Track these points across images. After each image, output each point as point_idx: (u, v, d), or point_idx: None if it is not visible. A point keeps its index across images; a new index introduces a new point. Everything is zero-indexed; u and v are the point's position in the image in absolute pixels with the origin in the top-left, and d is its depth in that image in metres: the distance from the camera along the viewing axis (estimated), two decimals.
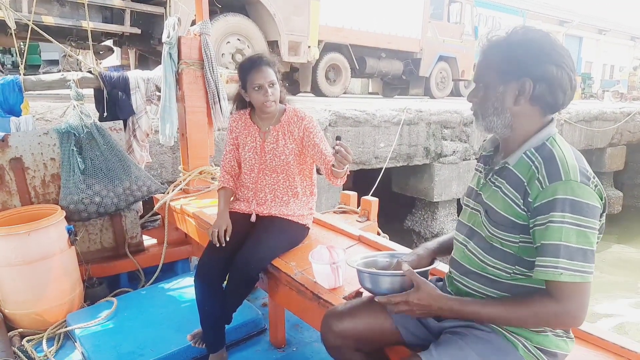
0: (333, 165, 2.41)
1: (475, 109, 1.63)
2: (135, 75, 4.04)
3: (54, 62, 11.51)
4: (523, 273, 1.54)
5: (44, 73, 8.17)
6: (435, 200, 8.41)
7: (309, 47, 10.52)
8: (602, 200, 1.45)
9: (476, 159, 7.79)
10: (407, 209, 9.18)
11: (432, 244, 1.99)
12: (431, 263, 1.90)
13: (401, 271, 1.75)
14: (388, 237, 3.21)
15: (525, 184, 1.49)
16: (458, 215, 7.23)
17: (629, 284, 9.40)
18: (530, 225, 1.47)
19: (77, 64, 10.04)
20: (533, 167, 1.49)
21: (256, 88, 2.70)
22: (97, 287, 3.63)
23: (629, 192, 13.69)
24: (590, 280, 1.39)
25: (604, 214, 1.48)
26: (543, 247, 1.42)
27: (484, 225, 1.62)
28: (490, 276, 1.61)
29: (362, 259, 2.06)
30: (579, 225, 1.38)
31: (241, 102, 2.96)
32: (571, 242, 1.38)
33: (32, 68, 11.54)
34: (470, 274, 1.67)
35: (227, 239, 2.68)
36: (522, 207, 1.49)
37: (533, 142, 1.54)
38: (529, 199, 1.47)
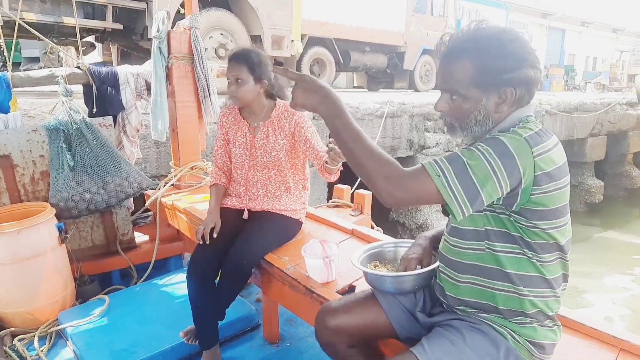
0: (326, 162, 2.42)
1: (450, 122, 1.57)
2: (124, 71, 4.00)
3: (35, 60, 11.38)
4: (494, 246, 1.53)
5: (24, 70, 8.08)
6: None
7: (292, 41, 10.52)
8: (534, 172, 1.39)
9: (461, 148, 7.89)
10: None
11: (430, 232, 1.99)
12: (433, 249, 1.91)
13: (406, 272, 1.81)
14: (382, 231, 3.22)
15: None
16: (441, 206, 7.22)
17: (613, 270, 9.52)
18: None
19: (59, 61, 9.93)
20: None
21: (228, 80, 2.73)
22: (88, 285, 3.61)
23: (610, 182, 13.86)
24: (441, 191, 1.35)
25: (541, 187, 1.41)
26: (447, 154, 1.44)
27: None
28: (470, 262, 1.60)
29: (366, 252, 2.08)
30: (489, 163, 1.36)
31: None
32: (469, 165, 1.36)
33: (13, 66, 11.40)
34: (454, 264, 1.66)
35: (215, 236, 2.68)
36: None
37: (502, 126, 1.51)
38: None
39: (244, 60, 2.70)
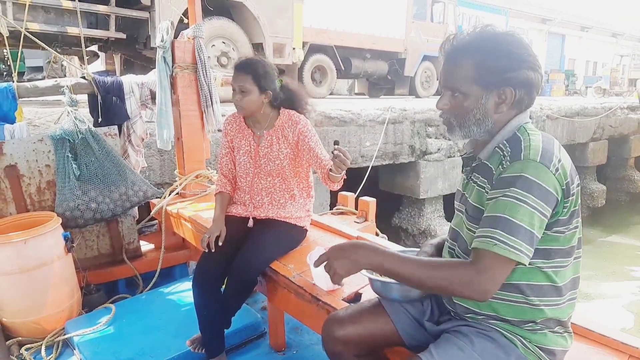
0: (330, 170, 2.42)
1: (449, 119, 1.61)
2: (129, 80, 4.03)
3: (38, 69, 11.41)
4: None
5: (28, 80, 8.11)
6: (421, 197, 8.47)
7: (294, 48, 10.54)
8: (562, 187, 1.42)
9: (460, 156, 7.96)
10: (395, 207, 9.23)
11: (435, 239, 1.99)
12: (439, 257, 1.90)
13: None
14: (387, 238, 3.22)
15: (493, 170, 1.51)
16: (444, 212, 7.23)
17: (617, 274, 9.52)
18: (486, 201, 1.49)
19: (62, 70, 9.97)
20: (501, 155, 1.50)
21: (234, 89, 2.74)
22: (95, 294, 3.61)
23: (612, 186, 13.88)
24: (520, 260, 1.38)
25: (569, 199, 1.45)
26: (486, 219, 1.44)
27: (464, 224, 1.63)
28: None
29: None
30: (526, 204, 1.37)
31: None
32: (514, 217, 1.37)
33: (18, 75, 11.42)
34: None
35: (220, 244, 2.68)
36: (489, 191, 1.51)
37: (504, 134, 1.54)
38: (493, 181, 1.49)
39: (248, 71, 2.71)
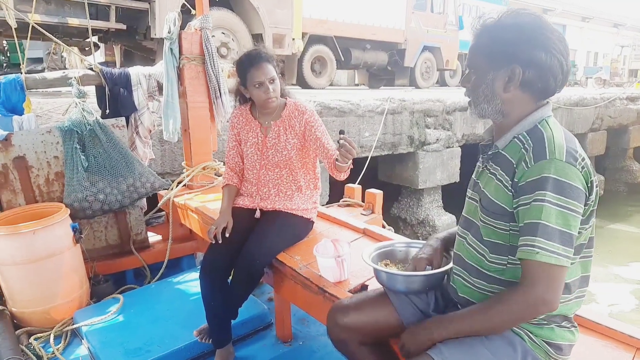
0: (336, 160, 2.44)
1: (469, 95, 1.62)
2: (136, 72, 4.03)
3: (38, 60, 11.34)
4: (517, 261, 1.51)
5: (28, 71, 8.08)
6: (420, 187, 8.49)
7: (293, 39, 10.54)
8: (587, 184, 1.42)
9: (460, 147, 7.85)
10: (394, 197, 9.24)
11: (442, 233, 1.98)
12: (444, 251, 1.91)
13: (416, 272, 1.82)
14: (393, 230, 3.23)
15: (514, 165, 1.49)
16: (443, 202, 7.23)
17: (615, 264, 9.55)
18: (514, 206, 1.47)
19: (62, 62, 9.94)
20: (523, 149, 1.48)
21: (257, 85, 2.70)
22: (103, 285, 3.64)
23: (610, 176, 13.91)
24: (564, 264, 1.37)
25: (592, 197, 1.44)
26: (524, 227, 1.42)
27: (478, 214, 1.61)
28: (488, 272, 1.60)
29: (377, 250, 2.09)
30: (559, 206, 1.36)
31: (242, 97, 2.96)
32: (550, 222, 1.36)
33: (14, 67, 11.38)
34: (470, 268, 1.66)
35: (227, 235, 2.69)
36: (510, 189, 1.49)
37: (525, 125, 1.52)
38: (515, 179, 1.47)
39: (268, 59, 2.73)
